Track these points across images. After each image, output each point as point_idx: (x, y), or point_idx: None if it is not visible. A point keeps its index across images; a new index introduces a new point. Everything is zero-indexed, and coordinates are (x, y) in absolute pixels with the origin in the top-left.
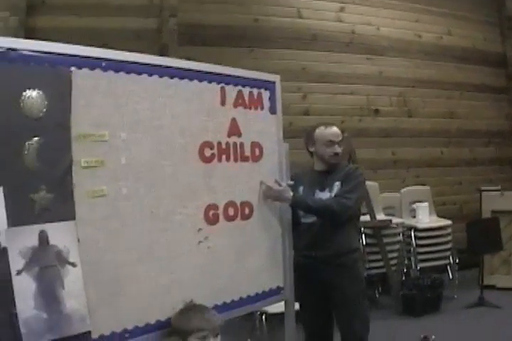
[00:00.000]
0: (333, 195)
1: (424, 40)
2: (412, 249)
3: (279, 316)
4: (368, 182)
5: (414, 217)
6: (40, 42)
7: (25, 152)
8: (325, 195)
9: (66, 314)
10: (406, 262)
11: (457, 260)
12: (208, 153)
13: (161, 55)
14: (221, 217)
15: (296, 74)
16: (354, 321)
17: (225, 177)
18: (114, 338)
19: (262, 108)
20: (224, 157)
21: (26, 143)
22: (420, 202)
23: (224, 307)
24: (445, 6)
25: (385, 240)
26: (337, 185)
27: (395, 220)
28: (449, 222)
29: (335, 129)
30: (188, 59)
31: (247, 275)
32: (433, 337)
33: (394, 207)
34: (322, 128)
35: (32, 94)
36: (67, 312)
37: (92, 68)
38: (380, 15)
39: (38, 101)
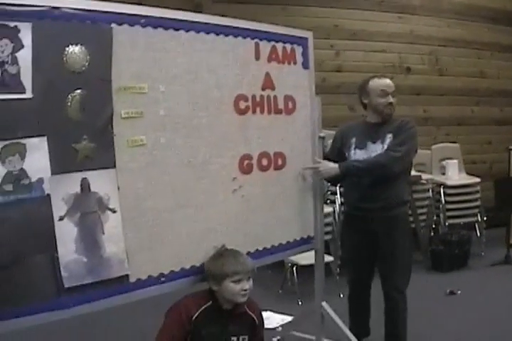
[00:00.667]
0: (385, 146)
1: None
2: (441, 205)
3: (310, 268)
4: None
5: (444, 174)
6: (82, 0)
7: (69, 103)
8: (377, 147)
9: (105, 258)
10: (435, 218)
11: (485, 218)
12: (242, 105)
13: (196, 12)
14: (255, 167)
15: (328, 32)
16: (397, 272)
17: (259, 129)
18: (151, 282)
19: (295, 63)
20: (258, 109)
21: (69, 95)
22: (450, 159)
23: (256, 254)
24: None
25: (415, 196)
26: (389, 137)
27: (425, 176)
28: (477, 180)
29: (388, 80)
30: (223, 16)
31: (278, 224)
32: (459, 291)
33: (425, 163)
34: (376, 79)
35: (75, 49)
36: (107, 256)
37: (132, 24)
38: None
39: (81, 56)
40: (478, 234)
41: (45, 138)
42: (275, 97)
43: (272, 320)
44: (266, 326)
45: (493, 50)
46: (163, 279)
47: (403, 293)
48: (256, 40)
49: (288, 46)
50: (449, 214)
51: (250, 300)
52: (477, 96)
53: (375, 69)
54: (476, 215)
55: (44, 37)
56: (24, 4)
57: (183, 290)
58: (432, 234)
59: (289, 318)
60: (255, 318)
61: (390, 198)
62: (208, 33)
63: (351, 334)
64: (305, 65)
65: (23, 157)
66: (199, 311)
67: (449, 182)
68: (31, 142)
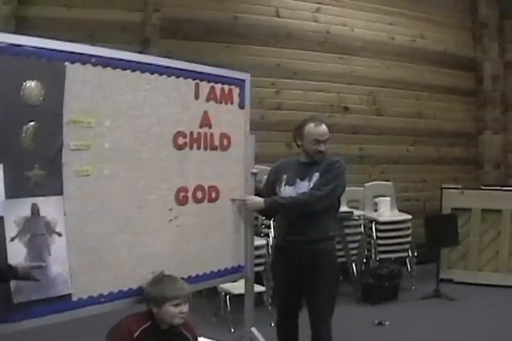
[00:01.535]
0: (311, 184)
1: (397, 42)
2: (372, 240)
3: (243, 298)
4: None
5: (376, 210)
6: (40, 39)
7: (23, 134)
8: (304, 184)
9: (51, 277)
10: (366, 253)
11: (416, 254)
12: (181, 141)
13: (144, 47)
14: (190, 199)
15: (270, 71)
16: (322, 302)
17: (196, 163)
18: (91, 301)
19: (232, 103)
20: (195, 145)
21: (24, 127)
22: (383, 196)
23: (190, 280)
24: (419, 9)
25: (347, 231)
26: (316, 175)
27: (357, 212)
28: (408, 217)
29: (323, 128)
30: (169, 52)
31: (211, 253)
32: (387, 322)
33: (358, 200)
34: (312, 125)
35: (31, 84)
36: (52, 275)
37: (84, 63)
38: (355, 17)
39: (36, 90)
40: (409, 268)
41: (0, 165)
42: (212, 134)
43: None
44: None
45: (431, 92)
46: (102, 299)
47: (326, 322)
48: (197, 80)
49: (226, 87)
50: (380, 249)
51: (186, 322)
52: (414, 136)
53: (313, 108)
54: (407, 251)
55: (4, 71)
56: None
57: (121, 311)
58: (363, 268)
59: None
60: (190, 338)
61: (314, 232)
62: (152, 73)
63: None
64: (241, 105)
65: None
66: (139, 330)
67: (381, 219)
68: None
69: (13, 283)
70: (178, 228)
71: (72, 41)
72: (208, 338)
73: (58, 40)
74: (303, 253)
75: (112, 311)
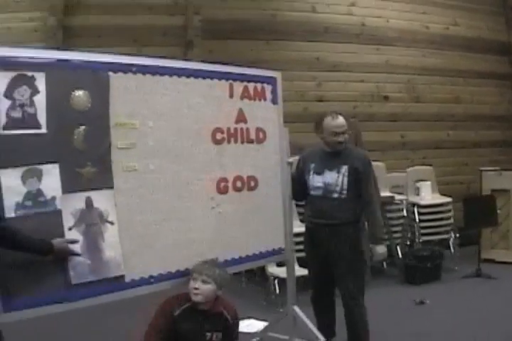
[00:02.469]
0: (340, 175)
1: (431, 30)
2: (415, 224)
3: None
4: (374, 163)
5: (418, 194)
6: (84, 53)
7: (75, 137)
8: (332, 175)
9: (105, 261)
10: (410, 236)
11: (459, 235)
12: (219, 136)
13: (187, 49)
14: (230, 188)
15: (310, 64)
16: (349, 281)
17: (234, 156)
18: (142, 282)
19: (265, 99)
20: (232, 140)
21: (75, 130)
22: (424, 181)
23: (233, 262)
24: None
25: (390, 215)
26: (345, 168)
27: (399, 197)
28: (449, 199)
29: (340, 120)
30: (212, 52)
31: (252, 237)
32: (427, 301)
33: (401, 185)
34: (329, 118)
35: (79, 93)
36: (106, 259)
37: (125, 72)
38: (389, 8)
39: (84, 98)
40: (452, 250)
41: (57, 164)
42: (247, 129)
43: (254, 325)
44: (247, 331)
45: (466, 77)
46: (152, 280)
47: (357, 299)
48: (230, 81)
49: (259, 85)
50: (423, 231)
51: (227, 303)
52: (453, 121)
53: (354, 98)
54: (449, 232)
55: (55, 83)
56: (38, 57)
57: (169, 290)
58: (407, 250)
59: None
60: (229, 318)
61: (339, 217)
62: (188, 77)
63: (320, 334)
64: (274, 101)
65: (40, 179)
66: (180, 310)
67: (422, 202)
68: (46, 167)
69: (71, 266)
70: (220, 215)
71: (117, 47)
72: (256, 319)
73: (104, 47)
74: (329, 235)
75: (161, 291)
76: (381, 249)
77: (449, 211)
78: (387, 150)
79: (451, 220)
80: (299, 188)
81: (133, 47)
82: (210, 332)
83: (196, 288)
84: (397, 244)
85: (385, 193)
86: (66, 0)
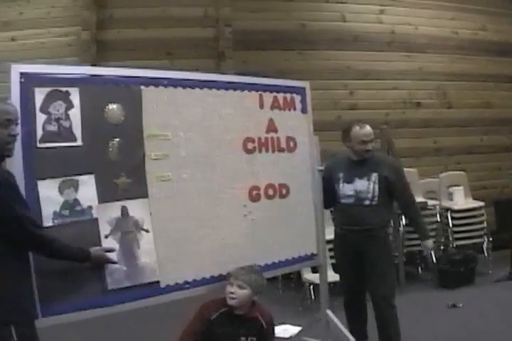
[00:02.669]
0: (371, 183)
1: (460, 36)
2: (448, 228)
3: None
4: (407, 169)
5: (452, 199)
6: (117, 68)
7: (110, 149)
8: (363, 182)
9: (141, 267)
10: (443, 240)
11: (491, 239)
12: (250, 146)
13: (220, 60)
14: (262, 196)
15: (342, 73)
16: (380, 283)
17: (265, 165)
18: (177, 287)
19: (295, 109)
20: (264, 149)
21: (110, 142)
22: (457, 186)
23: (266, 267)
24: (479, 3)
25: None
26: (375, 175)
27: (432, 202)
28: (481, 204)
29: (368, 129)
30: (244, 63)
31: (285, 243)
32: (460, 304)
33: (435, 191)
34: (357, 128)
35: (113, 106)
36: (142, 265)
37: (157, 85)
38: (418, 15)
39: (118, 112)
40: (486, 253)
41: (92, 175)
42: (278, 138)
43: (289, 330)
44: (283, 336)
45: (497, 81)
46: (187, 286)
47: (388, 301)
48: (260, 92)
49: (288, 95)
50: (456, 236)
51: (263, 309)
52: (485, 126)
53: (387, 105)
54: (483, 237)
55: (89, 98)
56: (72, 73)
57: (203, 296)
58: (441, 254)
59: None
60: (264, 323)
61: (371, 222)
62: (218, 89)
63: (352, 337)
64: (303, 110)
65: (76, 190)
66: (216, 314)
67: (455, 207)
68: (82, 178)
69: (107, 272)
70: (253, 222)
71: (150, 60)
72: (291, 324)
73: (137, 60)
74: (360, 240)
75: (195, 296)
76: (430, 244)
77: (482, 215)
78: (421, 156)
79: (485, 224)
80: (326, 196)
81: (166, 60)
82: (245, 337)
83: (232, 293)
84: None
85: (418, 199)
86: (99, 14)
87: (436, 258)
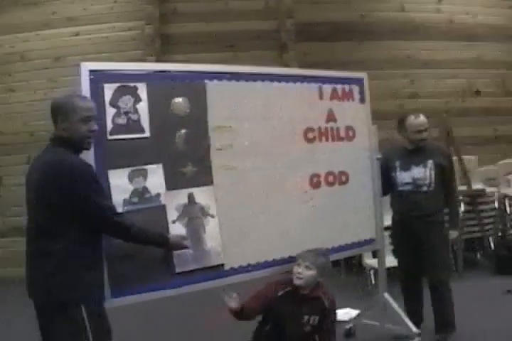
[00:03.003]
0: (427, 170)
1: None
2: (506, 215)
3: (388, 272)
4: (466, 157)
5: (510, 186)
6: (180, 64)
7: (176, 140)
8: (420, 170)
9: (206, 251)
10: (501, 227)
11: None
12: (310, 135)
13: (282, 52)
14: (323, 183)
15: (402, 63)
16: (437, 266)
17: (325, 153)
18: (241, 270)
19: (353, 99)
20: (324, 138)
21: (177, 134)
22: None
23: None
24: None
25: (481, 207)
26: (430, 162)
27: (490, 189)
28: None
29: (422, 119)
30: (306, 54)
31: (344, 228)
32: None
33: (494, 178)
34: (412, 117)
35: (179, 100)
36: (207, 249)
37: (220, 79)
38: (476, 4)
39: (183, 104)
40: None
41: (160, 164)
42: (337, 128)
43: (349, 314)
44: (343, 319)
45: None
46: (250, 268)
47: (444, 283)
48: (319, 84)
49: (346, 87)
50: None
51: (326, 290)
52: None
53: (447, 94)
54: None
55: (156, 92)
56: (139, 69)
57: (266, 278)
58: (499, 241)
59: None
60: (326, 304)
61: (428, 208)
62: (279, 82)
63: (409, 320)
64: (362, 101)
65: (145, 178)
66: (283, 291)
67: None
68: (151, 168)
69: (175, 256)
70: (313, 208)
71: (213, 52)
72: (352, 308)
73: (200, 53)
74: (418, 226)
75: (258, 278)
76: (454, 234)
77: None
78: (480, 144)
79: None
80: (383, 184)
81: (229, 53)
82: (308, 315)
83: (299, 273)
84: (489, 236)
85: (476, 186)
86: (162, 9)
87: (494, 245)
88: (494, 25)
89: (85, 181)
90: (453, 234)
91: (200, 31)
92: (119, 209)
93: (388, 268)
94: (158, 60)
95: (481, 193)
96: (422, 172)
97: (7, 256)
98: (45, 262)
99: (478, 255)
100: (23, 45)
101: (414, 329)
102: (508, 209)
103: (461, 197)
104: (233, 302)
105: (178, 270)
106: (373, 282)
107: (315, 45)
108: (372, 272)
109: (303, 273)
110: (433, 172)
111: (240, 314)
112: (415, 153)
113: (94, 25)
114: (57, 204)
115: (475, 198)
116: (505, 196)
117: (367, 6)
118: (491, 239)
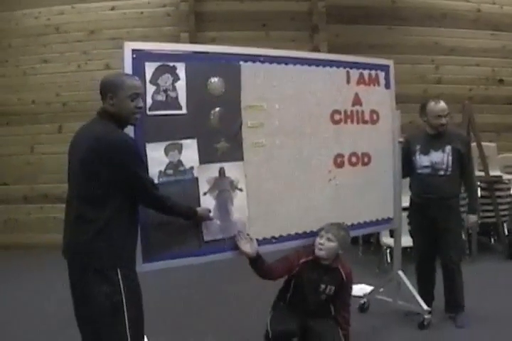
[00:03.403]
0: (445, 155)
1: None
2: None
3: (404, 251)
4: (487, 143)
5: None
6: (217, 46)
7: (211, 117)
8: (438, 154)
9: (233, 222)
10: None
11: None
12: (336, 117)
13: (312, 32)
14: (346, 163)
15: (429, 49)
16: (451, 248)
17: (350, 135)
18: (265, 242)
19: (379, 85)
20: (349, 120)
21: (212, 111)
22: None
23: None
24: None
25: (498, 193)
26: (449, 148)
27: (507, 176)
28: None
29: (442, 105)
30: (337, 36)
31: (365, 206)
32: None
33: None
34: (432, 103)
35: (214, 80)
36: (234, 220)
37: (254, 61)
38: None
39: (219, 84)
40: None
41: (195, 139)
42: (362, 111)
43: (364, 290)
44: (358, 294)
45: None
46: (274, 241)
47: (457, 265)
48: (347, 68)
49: (373, 72)
50: None
51: (345, 263)
52: None
53: (470, 81)
54: None
55: (193, 72)
56: (178, 50)
57: (287, 251)
58: None
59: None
60: (343, 276)
61: (446, 191)
62: (309, 65)
63: (420, 298)
64: (387, 86)
65: (180, 152)
66: (306, 259)
67: None
68: (186, 142)
69: (204, 226)
70: (337, 186)
71: (246, 31)
72: (367, 284)
73: (233, 31)
74: (434, 208)
75: (281, 250)
76: (473, 218)
77: None
78: (501, 131)
79: None
80: (404, 166)
81: (261, 32)
82: (325, 284)
83: (321, 244)
84: (504, 222)
85: (494, 172)
86: None
87: (508, 231)
88: None
89: (132, 156)
90: (472, 218)
91: (233, 10)
92: (155, 181)
93: (405, 248)
94: (191, 37)
95: (499, 180)
96: (440, 157)
97: (34, 222)
98: (88, 228)
99: (492, 240)
100: (58, 18)
101: (425, 307)
102: None
103: (478, 183)
104: (248, 247)
105: (206, 239)
106: (389, 261)
107: (345, 27)
108: (388, 251)
109: (325, 245)
110: (450, 158)
111: (261, 268)
112: (435, 138)
113: (130, 0)
114: (104, 176)
115: (492, 184)
116: None
117: None
118: (505, 224)
